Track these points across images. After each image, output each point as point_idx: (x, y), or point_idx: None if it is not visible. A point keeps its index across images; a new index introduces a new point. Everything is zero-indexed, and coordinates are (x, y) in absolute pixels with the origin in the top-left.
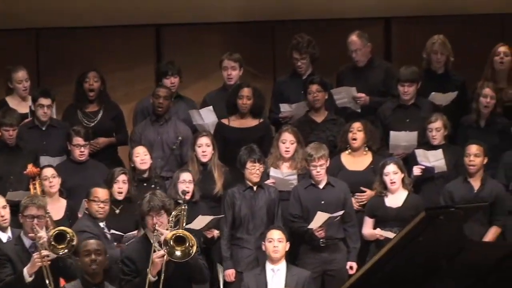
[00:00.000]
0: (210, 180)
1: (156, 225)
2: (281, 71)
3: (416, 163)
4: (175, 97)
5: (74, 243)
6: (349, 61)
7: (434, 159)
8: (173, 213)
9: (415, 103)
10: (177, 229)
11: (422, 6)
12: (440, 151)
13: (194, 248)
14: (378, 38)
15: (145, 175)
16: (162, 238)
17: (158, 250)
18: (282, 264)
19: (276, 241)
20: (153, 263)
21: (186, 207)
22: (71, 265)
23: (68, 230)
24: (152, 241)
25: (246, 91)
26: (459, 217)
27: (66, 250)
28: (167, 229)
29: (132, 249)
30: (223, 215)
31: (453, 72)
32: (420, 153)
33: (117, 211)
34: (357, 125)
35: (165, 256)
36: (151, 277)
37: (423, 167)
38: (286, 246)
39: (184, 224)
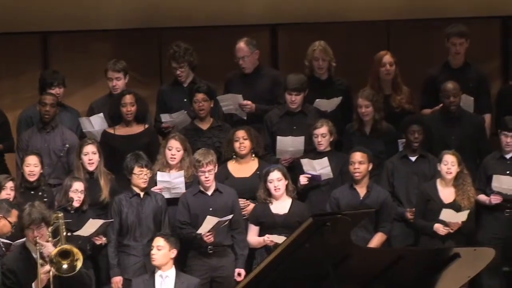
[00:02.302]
0: (97, 188)
1: (37, 238)
2: (168, 78)
3: (303, 171)
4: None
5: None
6: (237, 68)
7: (320, 167)
8: (51, 222)
9: (301, 110)
10: (60, 243)
11: (308, 13)
12: (325, 159)
13: (80, 262)
14: (264, 45)
15: (34, 183)
16: (44, 250)
17: (42, 265)
18: (171, 271)
19: (155, 249)
20: (39, 278)
21: (62, 215)
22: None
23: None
24: (33, 254)
25: (128, 98)
26: (345, 223)
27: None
28: (47, 241)
29: (13, 261)
30: (112, 220)
31: (337, 78)
32: (305, 162)
33: None
34: (241, 134)
35: (51, 271)
36: None
37: (309, 175)
38: (170, 253)
39: (63, 232)
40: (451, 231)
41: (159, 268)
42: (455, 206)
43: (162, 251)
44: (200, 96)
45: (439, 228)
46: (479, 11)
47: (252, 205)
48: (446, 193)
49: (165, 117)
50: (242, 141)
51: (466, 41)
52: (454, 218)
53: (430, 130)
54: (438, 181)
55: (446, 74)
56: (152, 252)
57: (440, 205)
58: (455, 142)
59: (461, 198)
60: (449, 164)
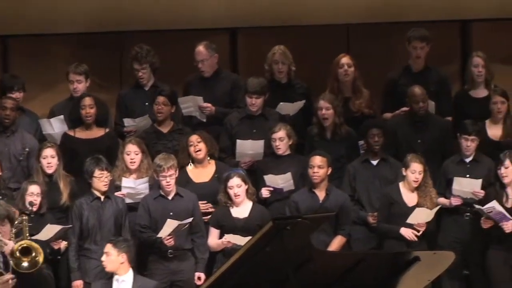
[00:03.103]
0: (56, 191)
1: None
2: (128, 83)
3: (262, 174)
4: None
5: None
6: (197, 72)
7: (283, 182)
8: (15, 223)
9: (262, 114)
10: (21, 240)
11: (268, 16)
12: (289, 174)
13: (41, 258)
14: (224, 48)
15: None
16: (5, 249)
17: (1, 274)
18: (128, 275)
19: (104, 255)
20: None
21: (27, 217)
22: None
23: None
24: None
25: (87, 101)
26: (306, 227)
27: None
28: (9, 239)
29: None
30: (71, 225)
31: (297, 82)
32: (269, 178)
33: None
34: (195, 138)
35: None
36: None
37: (271, 189)
38: (119, 258)
39: (27, 235)
40: (418, 234)
41: (114, 273)
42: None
43: (110, 257)
44: (161, 99)
45: (407, 232)
46: (439, 14)
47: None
48: (410, 196)
49: (128, 122)
50: (197, 144)
51: (427, 45)
52: (424, 217)
53: (394, 133)
54: (401, 185)
55: (407, 78)
56: (102, 258)
57: (404, 208)
58: (421, 145)
59: (424, 200)
60: (417, 173)
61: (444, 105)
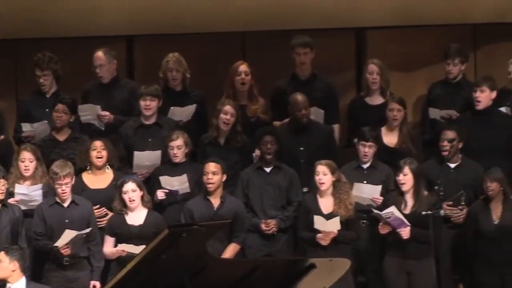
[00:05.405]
0: None
1: None
2: (24, 90)
3: (159, 182)
4: None
5: None
6: (95, 79)
7: (179, 184)
8: None
9: (156, 122)
10: None
11: (165, 24)
12: (184, 176)
13: None
14: (121, 56)
15: None
16: None
17: None
18: (20, 283)
19: None
20: None
21: None
22: None
23: None
24: None
25: None
26: (201, 235)
27: None
28: None
29: None
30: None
31: (192, 89)
32: (164, 179)
33: None
34: (99, 144)
35: None
36: None
37: (167, 191)
38: (11, 266)
39: None
40: (328, 240)
41: (6, 280)
42: (333, 216)
43: (2, 264)
44: (61, 107)
45: (321, 238)
46: (334, 22)
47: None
48: (325, 204)
49: (26, 127)
50: (100, 151)
51: (311, 51)
52: (325, 226)
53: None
54: (317, 192)
55: (294, 86)
56: None
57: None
58: (304, 153)
59: (339, 207)
60: (321, 174)
61: (331, 113)
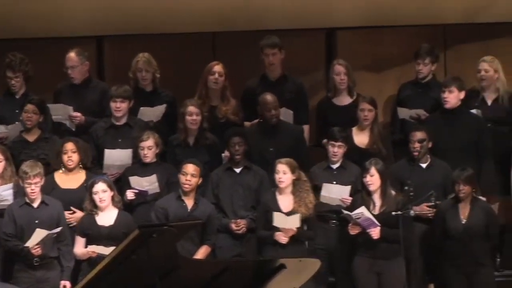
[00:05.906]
0: None
1: None
2: None
3: (129, 182)
4: None
5: None
6: (67, 79)
7: (148, 184)
8: None
9: (127, 123)
10: None
11: (135, 25)
12: (154, 176)
13: None
14: (91, 56)
15: None
16: None
17: None
18: None
19: None
20: None
21: None
22: None
23: None
24: None
25: None
26: (172, 235)
27: None
28: None
29: None
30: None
31: (162, 89)
32: (134, 179)
33: None
34: (70, 146)
35: None
36: None
37: (137, 191)
38: None
39: None
40: (287, 238)
41: None
42: (293, 214)
43: None
44: (30, 107)
45: (279, 236)
46: (305, 23)
47: (79, 214)
48: (285, 202)
49: (0, 128)
50: (70, 154)
51: (279, 51)
52: (285, 223)
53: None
54: (277, 191)
55: (264, 87)
56: None
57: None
58: (273, 154)
59: (299, 206)
60: (281, 173)
61: (300, 114)
